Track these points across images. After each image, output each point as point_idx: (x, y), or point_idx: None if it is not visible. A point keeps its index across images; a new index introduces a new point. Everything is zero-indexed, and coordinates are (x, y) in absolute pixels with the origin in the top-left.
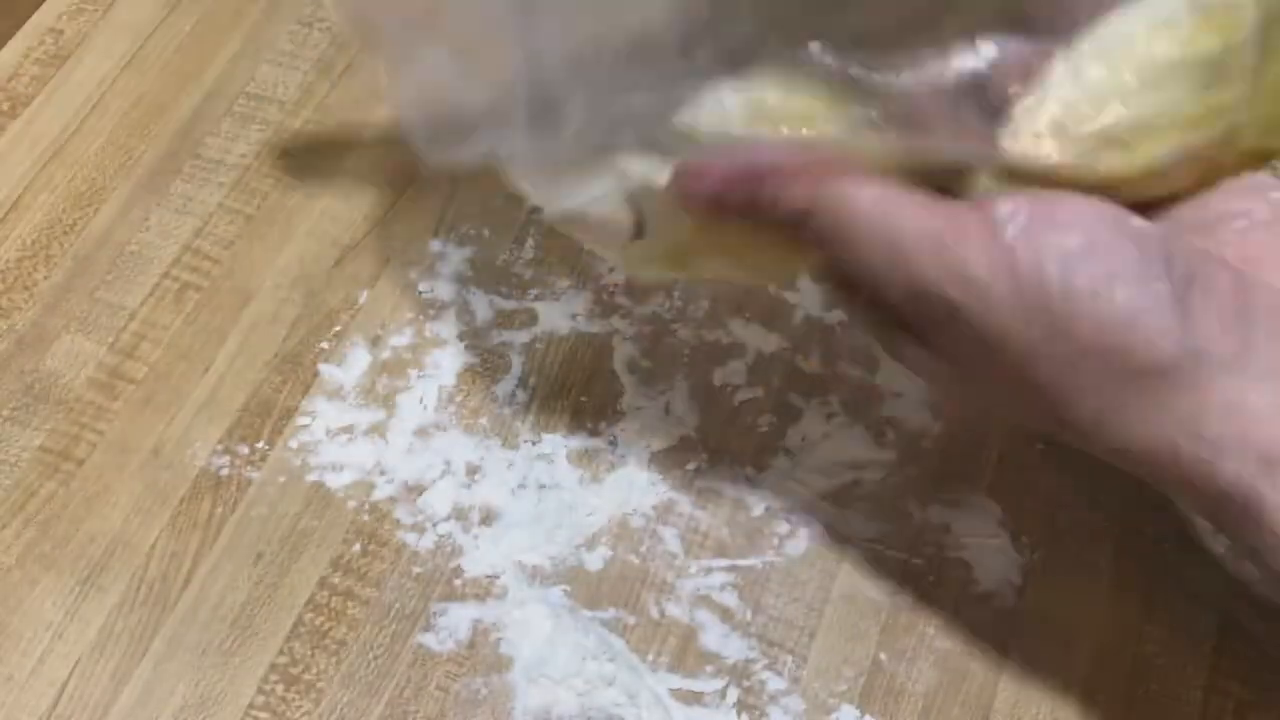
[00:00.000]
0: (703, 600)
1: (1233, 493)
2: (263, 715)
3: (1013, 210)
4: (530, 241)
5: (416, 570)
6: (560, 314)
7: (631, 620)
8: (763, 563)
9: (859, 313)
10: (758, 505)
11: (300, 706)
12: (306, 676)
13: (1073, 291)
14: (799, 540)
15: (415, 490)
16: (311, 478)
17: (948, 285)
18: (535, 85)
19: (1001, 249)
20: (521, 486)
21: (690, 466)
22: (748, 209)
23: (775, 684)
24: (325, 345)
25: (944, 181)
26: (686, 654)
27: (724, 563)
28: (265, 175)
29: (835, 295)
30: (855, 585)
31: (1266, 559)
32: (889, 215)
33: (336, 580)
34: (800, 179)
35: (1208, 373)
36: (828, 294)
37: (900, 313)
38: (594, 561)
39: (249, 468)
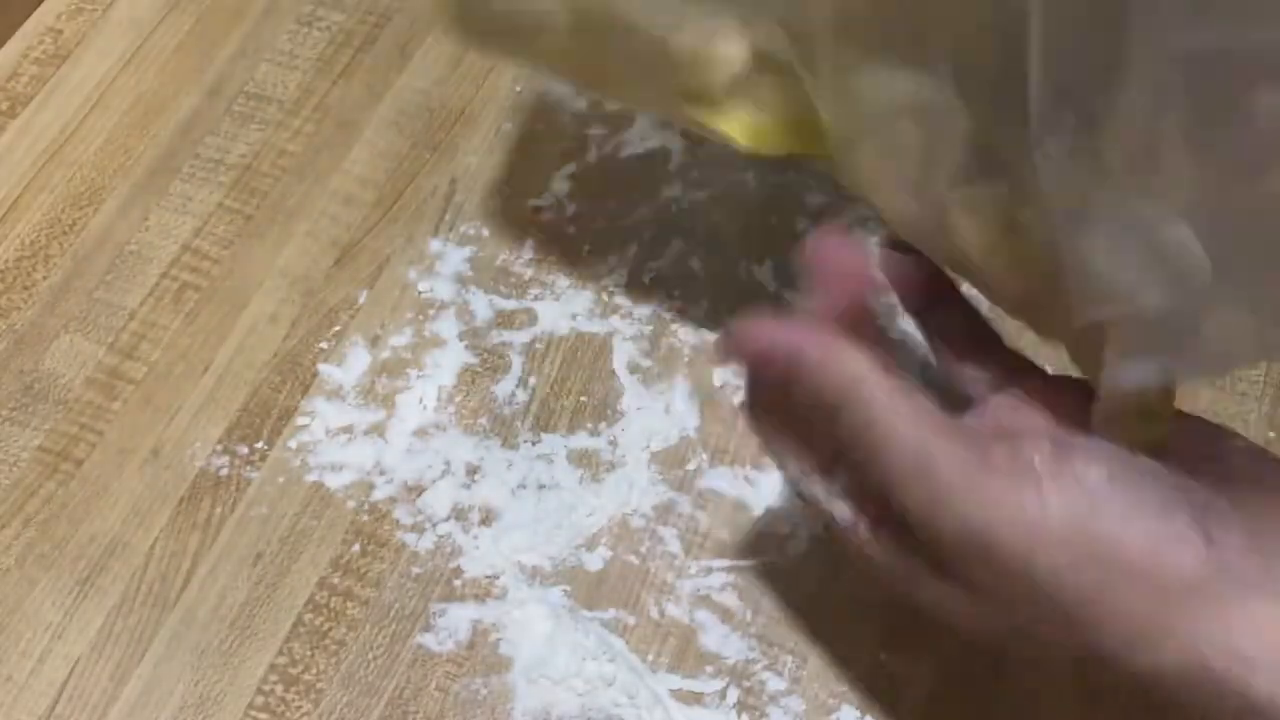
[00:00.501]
0: (703, 601)
1: (1266, 709)
2: (262, 716)
3: (1036, 444)
4: (530, 241)
5: (416, 570)
6: (560, 314)
7: (631, 621)
8: (763, 563)
9: (885, 540)
10: (758, 506)
11: (300, 707)
12: (306, 677)
13: (1103, 519)
14: (799, 540)
15: (415, 490)
16: (311, 478)
17: (983, 512)
18: None
19: (1032, 480)
20: (521, 487)
21: (690, 466)
22: (783, 389)
23: (775, 684)
24: (325, 345)
25: None
26: (686, 654)
27: (724, 563)
28: (265, 175)
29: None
30: (855, 585)
31: None
32: (920, 435)
33: (336, 580)
34: (829, 369)
35: (1236, 591)
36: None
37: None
38: (594, 562)
39: (248, 468)
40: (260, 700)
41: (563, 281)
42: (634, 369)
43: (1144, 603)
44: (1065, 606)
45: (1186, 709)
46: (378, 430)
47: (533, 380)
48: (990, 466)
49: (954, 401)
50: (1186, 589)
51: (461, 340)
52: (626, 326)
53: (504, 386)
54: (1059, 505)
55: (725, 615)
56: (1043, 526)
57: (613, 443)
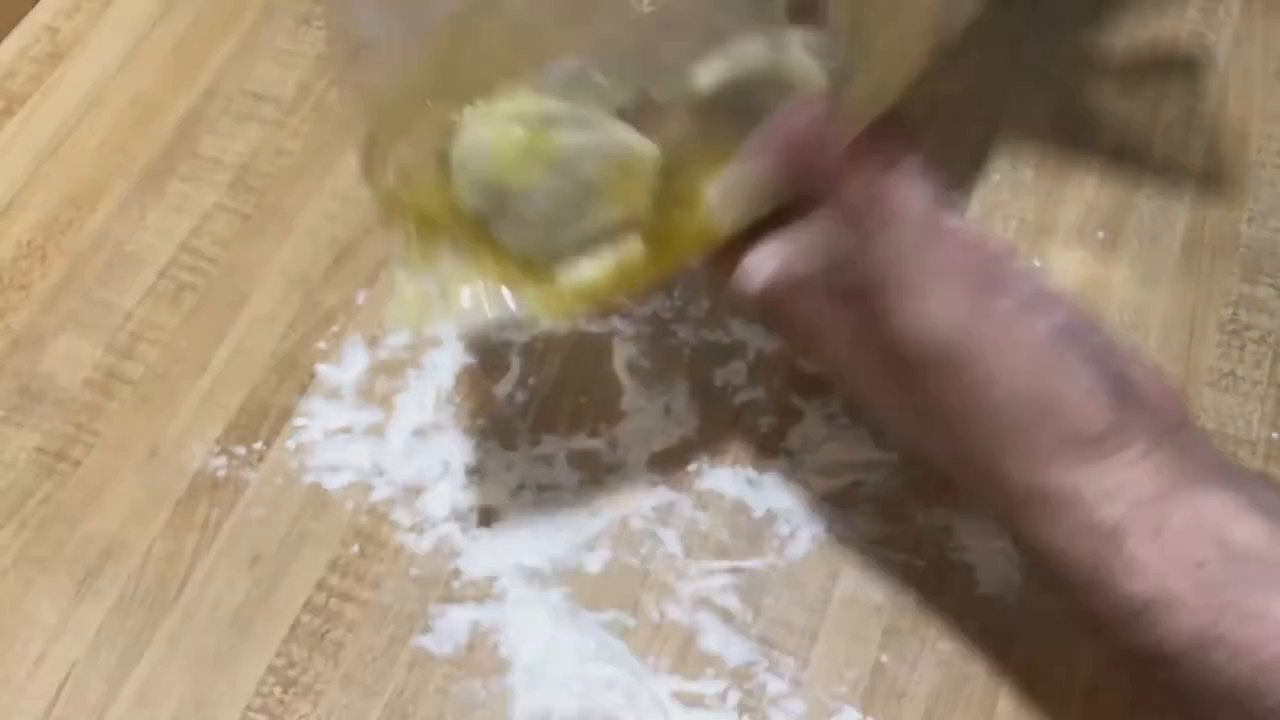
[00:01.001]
0: (703, 602)
1: (1109, 532)
2: (260, 718)
3: (1014, 280)
4: None
5: (415, 572)
6: None
7: (632, 622)
8: (764, 564)
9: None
10: (759, 507)
11: (298, 709)
12: (304, 679)
13: (1054, 371)
14: (800, 542)
15: (414, 491)
16: (309, 479)
17: (974, 323)
18: None
19: (1008, 318)
20: (521, 487)
21: (690, 467)
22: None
23: (776, 686)
24: (323, 345)
25: None
26: (687, 656)
27: (725, 564)
28: (263, 174)
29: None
30: (857, 587)
31: (1120, 584)
32: (940, 227)
33: (334, 582)
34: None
35: (1121, 442)
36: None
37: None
38: (594, 563)
39: (246, 469)
40: (258, 702)
41: None
42: (634, 369)
43: (1055, 443)
44: (999, 429)
45: (1048, 519)
46: (376, 431)
47: (532, 381)
48: (988, 288)
49: None
50: (1091, 440)
51: (460, 340)
52: (626, 326)
53: (503, 387)
54: (1024, 347)
55: (726, 617)
56: (1008, 359)
57: (613, 443)
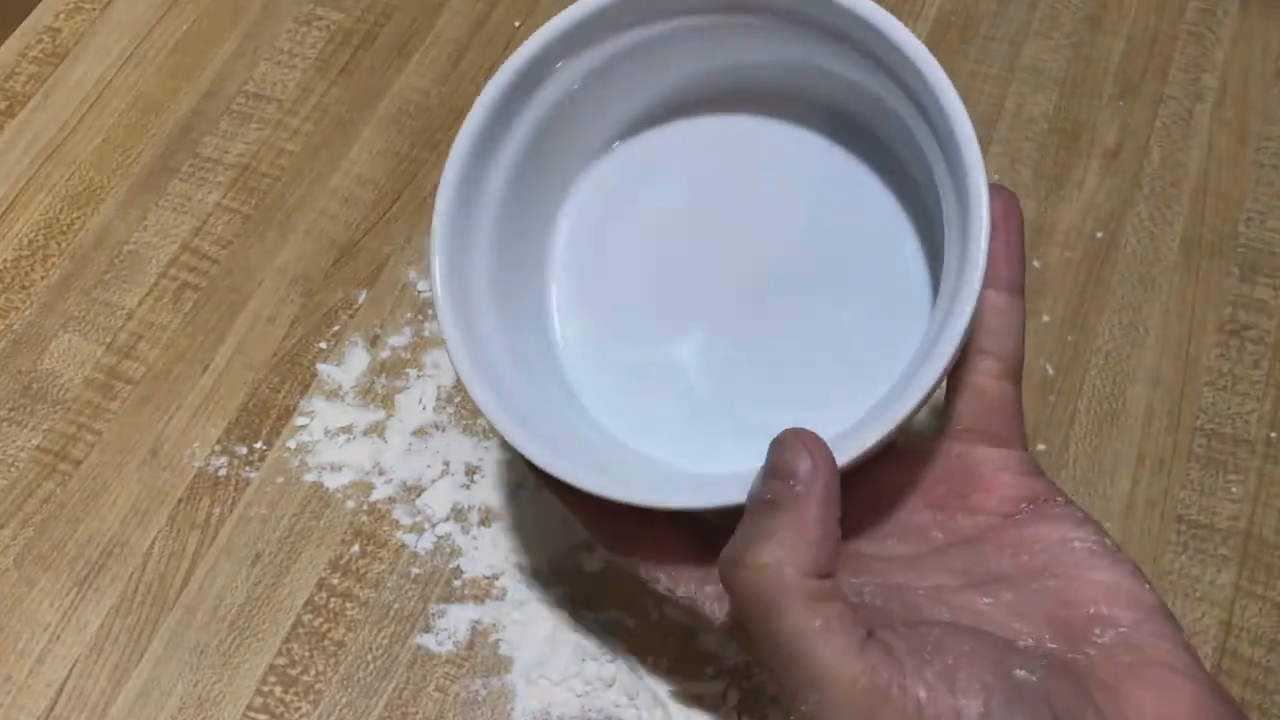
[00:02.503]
0: None
1: None
2: (261, 717)
3: (920, 672)
4: None
5: (415, 571)
6: None
7: (631, 622)
8: None
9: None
10: None
11: (299, 708)
12: (305, 678)
13: None
14: None
15: (414, 491)
16: (310, 478)
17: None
18: None
19: (929, 701)
20: (520, 487)
21: None
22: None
23: None
24: (324, 345)
25: None
26: (686, 655)
27: None
28: (264, 174)
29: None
30: None
31: None
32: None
33: (335, 581)
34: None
35: None
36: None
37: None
38: (593, 562)
39: (247, 468)
40: (259, 701)
41: None
42: None
43: None
44: None
45: None
46: (377, 430)
47: None
48: (879, 697)
49: None
50: None
51: None
52: None
53: None
54: None
55: None
56: None
57: None
